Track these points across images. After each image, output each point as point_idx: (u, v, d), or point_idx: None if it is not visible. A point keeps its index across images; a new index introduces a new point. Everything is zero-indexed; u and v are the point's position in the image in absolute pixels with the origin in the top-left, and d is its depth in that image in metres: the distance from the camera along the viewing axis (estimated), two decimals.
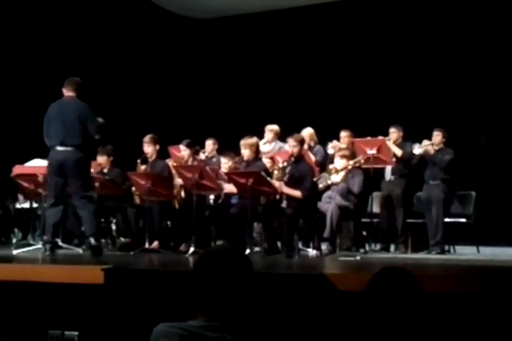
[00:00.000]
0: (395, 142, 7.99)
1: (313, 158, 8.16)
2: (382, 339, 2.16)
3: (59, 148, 6.61)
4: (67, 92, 6.80)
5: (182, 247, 7.69)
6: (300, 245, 7.46)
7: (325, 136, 8.76)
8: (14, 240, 6.95)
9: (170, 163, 8.36)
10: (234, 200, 7.63)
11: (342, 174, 7.62)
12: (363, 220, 7.86)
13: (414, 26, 10.46)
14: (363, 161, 7.63)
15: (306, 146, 7.97)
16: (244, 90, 11.70)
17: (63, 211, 6.76)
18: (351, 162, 7.64)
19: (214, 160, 8.54)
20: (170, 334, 2.11)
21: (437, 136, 7.93)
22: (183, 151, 8.12)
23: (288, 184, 7.11)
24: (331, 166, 7.71)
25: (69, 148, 6.60)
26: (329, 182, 7.57)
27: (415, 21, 10.45)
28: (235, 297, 2.15)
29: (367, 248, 7.68)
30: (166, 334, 2.11)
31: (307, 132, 8.37)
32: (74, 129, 6.63)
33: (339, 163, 7.67)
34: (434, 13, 10.33)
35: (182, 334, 2.10)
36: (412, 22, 10.48)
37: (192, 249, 6.96)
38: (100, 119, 6.82)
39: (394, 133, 8.06)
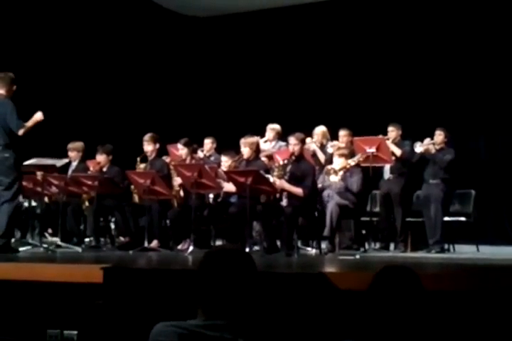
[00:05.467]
0: (393, 141, 7.96)
1: (322, 157, 8.16)
2: (386, 337, 2.16)
3: None
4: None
5: (181, 246, 7.68)
6: (299, 244, 7.44)
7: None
8: (13, 239, 6.93)
9: (168, 161, 8.35)
10: (233, 199, 7.62)
11: (341, 174, 7.59)
12: (363, 219, 7.84)
13: (413, 25, 10.45)
14: (362, 159, 7.60)
15: (318, 144, 8.12)
16: (243, 89, 11.69)
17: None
18: (350, 160, 7.62)
19: (212, 158, 8.53)
20: (169, 334, 2.10)
21: (439, 136, 7.90)
22: (181, 150, 8.10)
23: (289, 182, 7.08)
24: (329, 167, 7.66)
25: None
26: (327, 183, 7.53)
27: (415, 20, 10.44)
28: (239, 296, 2.15)
29: (366, 247, 7.66)
30: (165, 333, 2.11)
31: (320, 130, 8.38)
32: None
33: (338, 161, 7.63)
34: (434, 12, 10.32)
35: (181, 333, 2.09)
36: (412, 21, 10.47)
37: (191, 248, 6.95)
38: (38, 115, 6.46)
39: (392, 131, 8.04)
